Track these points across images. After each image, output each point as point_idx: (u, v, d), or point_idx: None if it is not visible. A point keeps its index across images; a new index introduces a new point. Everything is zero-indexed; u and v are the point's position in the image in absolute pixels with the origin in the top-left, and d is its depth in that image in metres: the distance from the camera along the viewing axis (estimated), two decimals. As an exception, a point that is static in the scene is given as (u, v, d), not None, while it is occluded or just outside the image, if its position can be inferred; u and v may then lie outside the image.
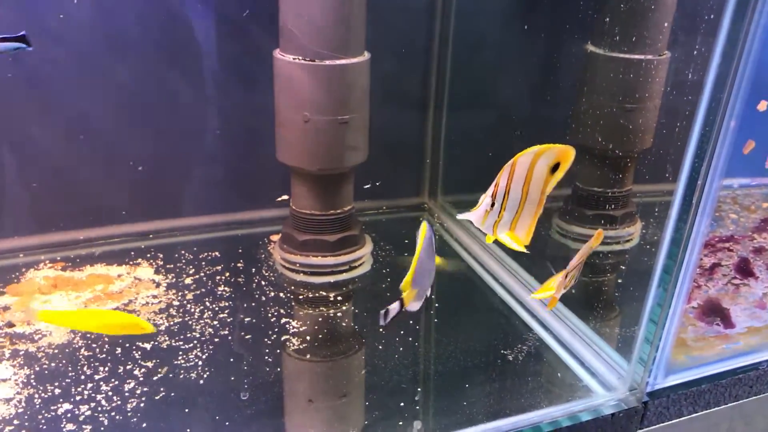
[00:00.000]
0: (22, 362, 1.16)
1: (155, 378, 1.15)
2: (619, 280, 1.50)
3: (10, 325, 1.24)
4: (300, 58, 1.34)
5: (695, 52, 1.15)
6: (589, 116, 1.48)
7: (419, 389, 1.19)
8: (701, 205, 1.07)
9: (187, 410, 1.09)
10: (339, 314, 1.38)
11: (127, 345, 1.22)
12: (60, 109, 1.44)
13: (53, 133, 1.45)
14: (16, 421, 1.04)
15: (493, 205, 0.88)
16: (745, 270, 1.47)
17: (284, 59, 1.36)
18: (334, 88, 1.37)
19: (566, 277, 1.05)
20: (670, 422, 1.26)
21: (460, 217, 0.92)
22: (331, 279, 1.47)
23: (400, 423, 1.11)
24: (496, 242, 0.95)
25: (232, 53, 1.52)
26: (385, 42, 1.62)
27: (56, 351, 1.20)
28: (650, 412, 1.22)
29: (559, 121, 1.57)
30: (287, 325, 1.31)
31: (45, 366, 1.16)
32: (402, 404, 1.14)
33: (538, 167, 0.88)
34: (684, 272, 1.12)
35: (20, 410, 1.06)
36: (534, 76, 1.62)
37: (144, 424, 1.06)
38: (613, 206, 1.54)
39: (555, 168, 0.89)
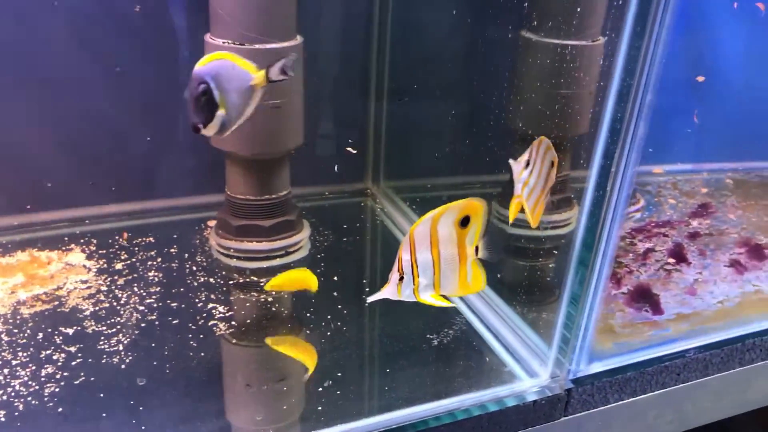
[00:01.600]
0: (-60, 347, 1.17)
1: (74, 363, 1.15)
2: (551, 265, 1.50)
3: (-67, 310, 1.25)
4: (229, 41, 1.33)
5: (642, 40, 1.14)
6: (524, 102, 1.47)
7: (340, 374, 1.19)
8: (615, 191, 1.07)
9: (102, 395, 1.10)
10: (270, 299, 1.37)
11: (50, 330, 1.22)
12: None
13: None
14: (-71, 406, 1.05)
15: (402, 278, 0.91)
16: (678, 255, 1.48)
17: (214, 43, 1.35)
18: (264, 72, 1.37)
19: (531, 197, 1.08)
20: (596, 409, 1.26)
21: (371, 299, 0.95)
22: (266, 264, 1.47)
23: (319, 408, 1.11)
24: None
25: (166, 38, 1.50)
26: (325, 27, 1.62)
27: (-23, 336, 1.21)
28: (574, 400, 1.22)
29: (498, 107, 1.57)
30: (214, 310, 1.31)
31: (-36, 350, 1.17)
32: (320, 389, 1.15)
33: (441, 228, 0.90)
34: (601, 258, 1.12)
35: (-66, 395, 1.07)
36: (473, 61, 1.61)
37: (60, 409, 1.06)
38: (551, 191, 1.53)
39: (465, 221, 0.92)
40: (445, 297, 0.97)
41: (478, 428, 1.14)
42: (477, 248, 0.95)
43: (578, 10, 1.39)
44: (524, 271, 1.54)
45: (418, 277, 0.93)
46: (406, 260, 0.92)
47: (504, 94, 1.54)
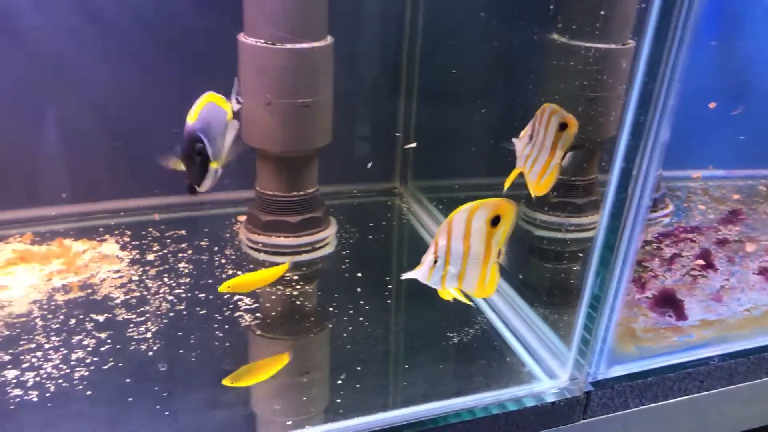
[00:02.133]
0: (-22, 330, 1.23)
1: (104, 349, 1.19)
2: (575, 268, 1.49)
3: (-26, 294, 1.31)
4: (262, 41, 1.37)
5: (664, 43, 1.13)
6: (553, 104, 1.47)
7: (359, 368, 1.21)
8: (636, 194, 1.07)
9: (129, 380, 1.13)
10: (294, 293, 1.40)
11: (82, 316, 1.27)
12: (34, 86, 1.48)
13: (30, 112, 1.49)
14: (-34, 385, 1.10)
15: (435, 261, 0.92)
16: (705, 261, 1.46)
17: (247, 42, 1.38)
18: (294, 71, 1.39)
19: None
20: (616, 414, 1.25)
21: (404, 276, 0.95)
22: (292, 259, 1.50)
23: (338, 400, 1.13)
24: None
25: (201, 36, 1.53)
26: (356, 26, 1.65)
27: (14, 320, 1.24)
28: (593, 403, 1.21)
29: (527, 109, 1.57)
30: (240, 302, 1.34)
31: (0, 334, 1.21)
32: (339, 382, 1.17)
33: (475, 222, 0.91)
34: (623, 260, 1.12)
35: (-28, 374, 1.12)
36: (503, 63, 1.61)
37: (88, 392, 1.10)
38: (577, 194, 1.54)
39: (496, 221, 0.92)
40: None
41: (495, 427, 1.15)
42: (500, 252, 0.95)
43: (609, 13, 1.38)
44: (548, 273, 1.54)
45: (449, 264, 0.94)
46: (442, 245, 0.93)
47: (533, 96, 1.54)
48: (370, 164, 1.78)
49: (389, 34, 1.73)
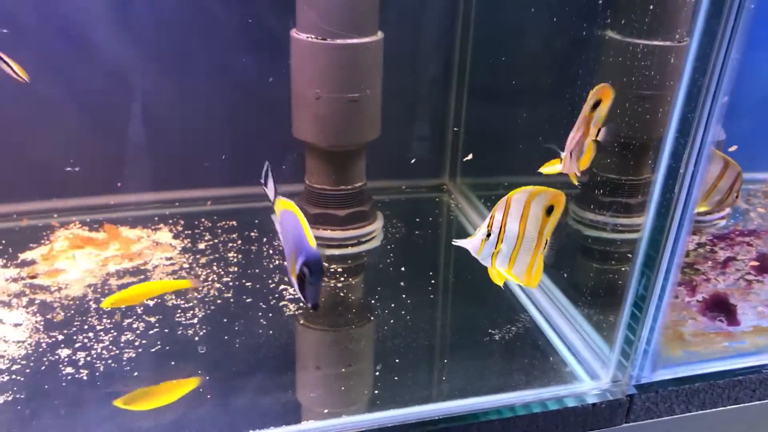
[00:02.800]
0: (36, 310, 1.28)
1: (152, 332, 1.24)
2: (622, 268, 1.46)
3: (34, 276, 1.36)
4: (313, 36, 1.39)
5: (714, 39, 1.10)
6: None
7: (398, 361, 1.21)
8: (683, 194, 1.04)
9: (174, 363, 1.17)
10: (339, 285, 1.42)
11: (133, 301, 1.33)
12: (91, 84, 1.54)
13: (93, 107, 1.55)
14: (23, 362, 1.15)
15: (489, 236, 0.92)
16: (762, 266, 1.40)
17: (299, 38, 1.41)
18: (344, 66, 1.41)
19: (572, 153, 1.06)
20: (661, 419, 1.22)
21: (456, 242, 0.95)
22: (338, 252, 1.51)
23: (376, 392, 1.14)
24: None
25: (258, 32, 1.58)
26: (409, 22, 1.66)
27: (70, 302, 1.30)
28: (637, 407, 1.18)
29: (579, 107, 1.54)
30: (285, 292, 1.37)
31: (56, 315, 1.26)
32: (377, 373, 1.18)
33: (533, 207, 0.91)
34: (668, 262, 1.09)
35: (29, 352, 1.17)
36: (555, 61, 1.59)
37: (135, 373, 1.14)
38: (628, 194, 1.50)
39: (549, 210, 0.92)
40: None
41: (534, 426, 1.14)
42: (546, 243, 0.94)
43: (663, 10, 1.35)
44: (593, 273, 1.52)
45: (502, 243, 0.93)
46: (498, 220, 0.91)
47: (583, 93, 1.51)
48: (413, 160, 1.79)
49: (441, 30, 1.73)
